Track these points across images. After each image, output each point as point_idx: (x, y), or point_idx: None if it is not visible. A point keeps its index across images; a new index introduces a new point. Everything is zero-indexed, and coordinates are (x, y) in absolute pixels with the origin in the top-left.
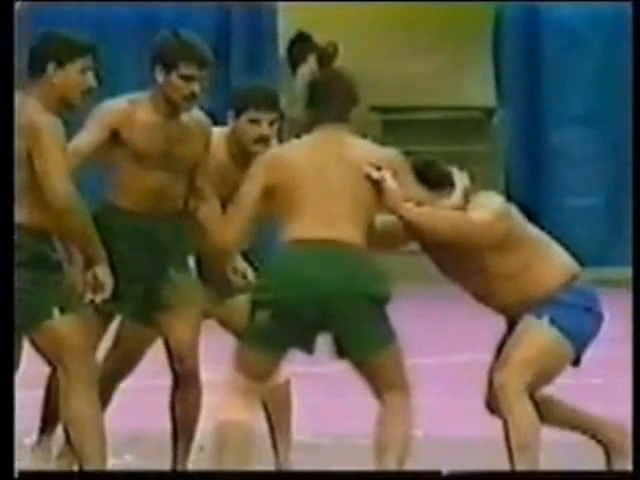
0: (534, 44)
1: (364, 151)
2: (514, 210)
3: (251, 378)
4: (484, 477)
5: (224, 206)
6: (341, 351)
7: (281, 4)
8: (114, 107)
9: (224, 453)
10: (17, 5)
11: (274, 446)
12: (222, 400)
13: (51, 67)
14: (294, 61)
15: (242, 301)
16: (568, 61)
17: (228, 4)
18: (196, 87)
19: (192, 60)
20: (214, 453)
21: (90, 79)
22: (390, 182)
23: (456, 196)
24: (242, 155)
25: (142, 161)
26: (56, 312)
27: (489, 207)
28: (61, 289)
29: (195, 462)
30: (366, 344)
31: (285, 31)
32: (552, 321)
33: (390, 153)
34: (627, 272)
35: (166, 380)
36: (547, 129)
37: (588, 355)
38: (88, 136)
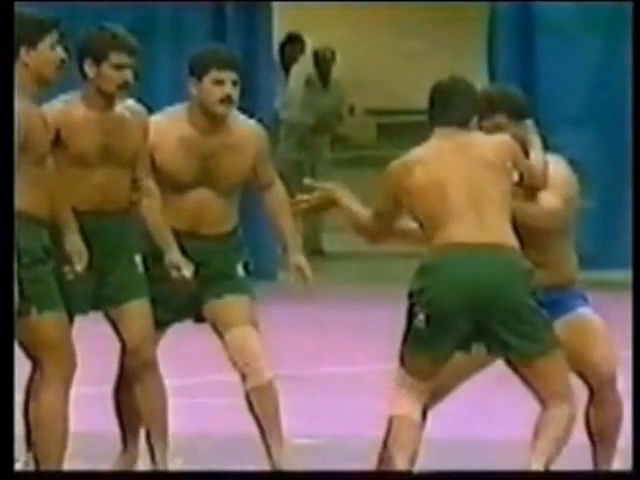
0: (529, 45)
1: (494, 145)
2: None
3: (416, 377)
4: (486, 477)
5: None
6: (499, 353)
7: (276, 4)
8: (51, 109)
9: (396, 446)
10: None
11: (266, 447)
12: (392, 394)
13: (23, 50)
14: (286, 62)
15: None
16: (563, 62)
17: (223, 4)
18: (129, 75)
19: (121, 48)
20: (389, 445)
21: (60, 53)
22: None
23: (538, 156)
24: (207, 121)
25: (83, 159)
26: (34, 309)
27: (560, 194)
28: (38, 285)
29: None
30: (532, 347)
31: (280, 32)
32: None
33: (507, 140)
34: (624, 275)
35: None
36: (542, 131)
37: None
38: None
